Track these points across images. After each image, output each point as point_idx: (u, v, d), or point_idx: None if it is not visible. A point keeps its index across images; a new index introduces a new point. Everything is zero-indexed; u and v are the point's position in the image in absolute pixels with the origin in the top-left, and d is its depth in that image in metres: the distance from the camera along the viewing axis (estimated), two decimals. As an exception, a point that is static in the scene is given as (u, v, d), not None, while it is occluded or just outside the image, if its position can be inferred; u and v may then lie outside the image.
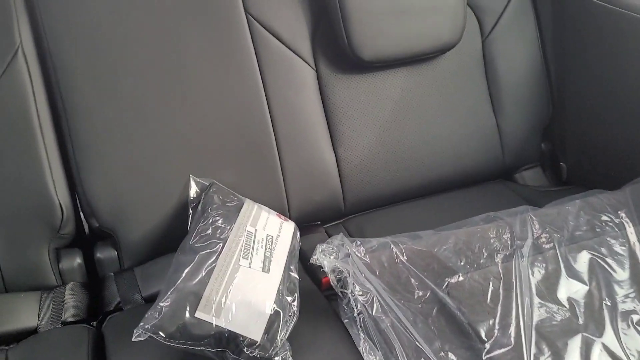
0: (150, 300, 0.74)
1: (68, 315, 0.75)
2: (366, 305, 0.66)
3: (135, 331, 0.62)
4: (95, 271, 0.82)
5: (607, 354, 0.61)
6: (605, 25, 0.94)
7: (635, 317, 0.65)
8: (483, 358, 0.60)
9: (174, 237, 0.77)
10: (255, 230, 0.76)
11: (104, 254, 0.81)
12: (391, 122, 0.94)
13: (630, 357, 0.61)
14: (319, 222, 0.94)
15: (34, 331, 0.73)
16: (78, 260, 0.80)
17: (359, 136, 0.93)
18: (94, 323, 0.75)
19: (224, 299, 0.64)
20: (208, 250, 0.70)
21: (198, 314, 0.63)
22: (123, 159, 0.79)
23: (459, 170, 1.00)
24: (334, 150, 0.92)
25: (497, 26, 1.00)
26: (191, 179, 0.81)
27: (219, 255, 0.69)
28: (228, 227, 0.74)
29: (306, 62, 0.90)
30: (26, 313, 0.74)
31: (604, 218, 0.79)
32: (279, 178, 0.88)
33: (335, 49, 0.90)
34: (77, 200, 0.80)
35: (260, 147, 0.86)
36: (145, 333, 0.62)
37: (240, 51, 0.85)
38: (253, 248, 0.73)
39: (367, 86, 0.93)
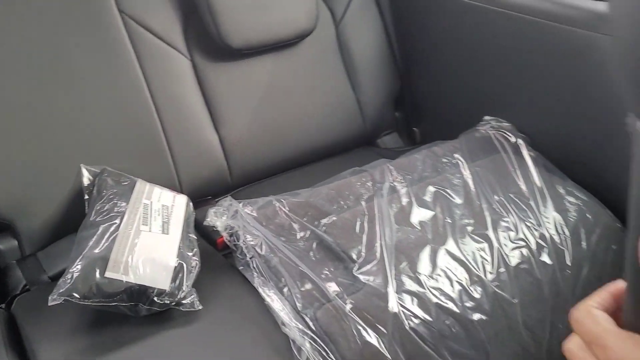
0: (57, 278, 0.79)
1: None
2: (256, 248, 0.77)
3: (50, 297, 0.67)
4: None
5: (449, 256, 0.77)
6: (437, 9, 1.13)
7: (469, 229, 0.82)
8: (355, 273, 0.74)
9: (72, 221, 0.83)
10: (151, 202, 0.84)
11: (4, 244, 0.85)
12: (264, 103, 1.06)
13: (467, 257, 0.78)
14: (210, 197, 1.04)
15: None
16: None
17: (237, 117, 1.04)
18: (3, 305, 0.79)
19: (130, 259, 0.72)
20: (109, 223, 0.77)
21: (108, 274, 0.70)
22: (16, 153, 0.84)
23: (328, 141, 1.15)
24: (216, 131, 1.02)
25: (346, 15, 1.16)
26: (82, 167, 0.87)
27: (119, 225, 0.77)
28: (125, 203, 0.82)
29: (181, 53, 0.99)
30: None
31: (444, 160, 0.97)
32: (168, 160, 0.96)
33: (207, 39, 1.01)
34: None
35: (148, 134, 0.94)
36: (60, 297, 0.68)
37: (117, 48, 0.93)
38: (151, 216, 0.81)
39: (239, 72, 1.05)
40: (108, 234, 0.74)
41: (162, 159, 0.96)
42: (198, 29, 1.01)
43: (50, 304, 0.67)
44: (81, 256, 0.71)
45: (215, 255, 0.87)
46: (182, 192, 0.97)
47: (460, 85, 1.14)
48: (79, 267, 0.70)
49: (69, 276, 0.69)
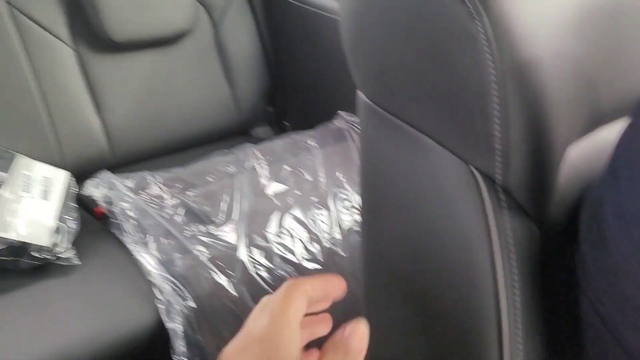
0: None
1: None
2: (129, 212, 0.90)
3: None
4: None
5: (294, 220, 0.95)
6: (300, 18, 1.31)
7: (313, 199, 1.00)
8: (212, 232, 0.89)
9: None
10: (32, 174, 0.94)
11: None
12: (145, 93, 1.19)
13: (309, 220, 0.96)
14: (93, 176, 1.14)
15: None
16: None
17: (120, 104, 1.15)
18: None
19: (10, 219, 0.82)
20: (-11, 190, 0.86)
21: (-10, 232, 0.80)
22: None
23: (206, 130, 1.29)
24: (99, 116, 1.13)
25: (224, 19, 1.31)
26: None
27: None
28: (4, 173, 0.91)
29: (66, 43, 1.09)
30: None
31: (300, 145, 1.15)
32: (52, 140, 1.06)
33: (92, 32, 1.11)
34: None
35: (32, 117, 1.04)
36: (-57, 253, 0.77)
37: (5, 39, 1.01)
38: (31, 185, 0.91)
39: (123, 64, 1.16)
40: (-9, 198, 0.84)
41: (47, 139, 1.05)
42: (82, 23, 1.11)
43: None
44: (-36, 218, 0.80)
45: (93, 222, 0.98)
46: (66, 169, 1.07)
47: (321, 83, 1.33)
48: (-39, 226, 0.79)
49: (-47, 235, 0.78)
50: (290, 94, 1.43)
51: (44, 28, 1.06)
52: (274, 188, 1.02)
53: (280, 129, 1.46)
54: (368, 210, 0.53)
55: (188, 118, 1.26)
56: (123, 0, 1.11)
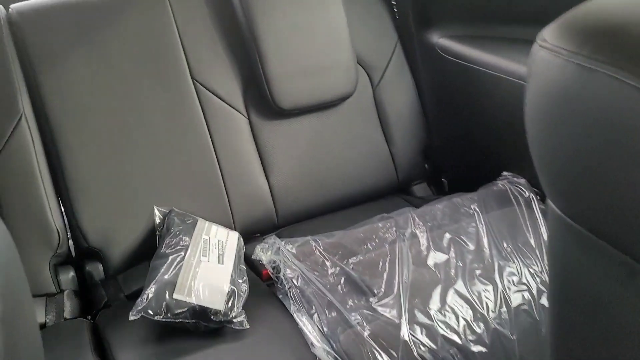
0: (133, 297, 0.98)
1: (67, 313, 0.97)
2: (293, 280, 0.93)
3: (130, 313, 0.85)
4: (85, 280, 1.04)
5: (457, 295, 0.91)
6: (461, 75, 1.28)
7: (477, 272, 0.95)
8: (374, 305, 0.88)
9: (146, 250, 1.03)
10: (209, 237, 1.02)
11: (91, 267, 1.04)
12: (307, 154, 1.24)
13: (473, 296, 0.91)
14: (259, 234, 1.21)
15: (42, 326, 0.94)
16: (71, 273, 1.03)
17: (285, 166, 1.22)
18: (89, 317, 0.98)
19: (192, 284, 0.90)
20: (176, 254, 0.95)
21: (175, 296, 0.88)
22: (104, 193, 1.04)
23: (364, 188, 1.30)
24: (266, 178, 1.20)
25: (382, 79, 1.33)
26: (155, 208, 1.07)
27: (184, 256, 0.95)
28: (188, 238, 1.00)
29: (240, 112, 1.18)
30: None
31: (462, 210, 1.11)
32: (225, 202, 1.14)
33: (262, 101, 1.20)
34: (70, 227, 1.04)
35: (210, 180, 1.13)
36: (138, 314, 0.86)
37: (189, 107, 1.13)
38: (209, 249, 0.99)
39: (288, 128, 1.23)
40: (175, 263, 0.92)
41: (220, 202, 1.14)
42: (254, 93, 1.20)
43: (130, 319, 0.85)
44: (154, 281, 0.89)
45: (260, 284, 1.03)
46: (235, 229, 1.15)
47: (482, 142, 1.28)
48: (152, 289, 0.88)
49: (145, 297, 0.87)
50: (448, 151, 1.39)
51: (222, 99, 1.17)
52: (435, 258, 0.99)
53: (437, 187, 1.43)
54: (558, 322, 0.49)
55: (347, 177, 1.28)
56: (292, 72, 1.18)
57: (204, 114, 1.14)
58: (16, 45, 1.03)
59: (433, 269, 0.96)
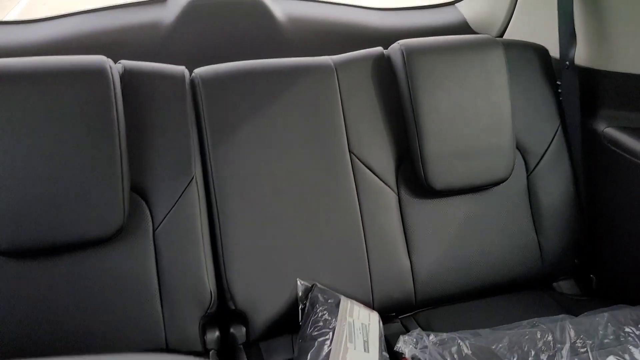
0: (273, 369, 0.98)
1: None
2: (443, 386, 0.88)
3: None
4: (228, 342, 1.06)
5: None
6: (626, 170, 1.19)
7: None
8: None
9: (288, 321, 1.03)
10: (353, 320, 1.00)
11: (235, 329, 1.06)
12: (455, 237, 1.19)
13: None
14: (394, 314, 1.17)
15: None
16: (217, 333, 1.05)
17: (429, 247, 1.18)
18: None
19: (340, 375, 0.88)
20: (323, 338, 0.94)
21: (323, 385, 0.86)
22: (255, 259, 1.06)
23: (508, 278, 1.23)
24: (409, 258, 1.17)
25: (539, 165, 1.25)
26: (298, 281, 1.07)
27: (331, 340, 0.93)
28: (333, 319, 0.99)
29: (391, 188, 1.17)
30: None
31: (627, 330, 1.01)
32: (367, 279, 1.12)
33: (414, 179, 1.17)
34: (220, 288, 1.06)
35: (355, 255, 1.12)
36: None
37: (343, 180, 1.13)
38: (354, 334, 0.97)
39: (437, 209, 1.19)
40: (324, 347, 0.91)
41: (362, 278, 1.12)
42: (407, 170, 1.17)
43: None
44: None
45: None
46: (373, 308, 1.12)
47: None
48: (300, 373, 0.87)
49: (293, 380, 0.86)
50: (603, 247, 1.28)
51: (375, 174, 1.16)
52: (598, 385, 0.90)
53: (585, 284, 1.32)
54: None
55: (491, 265, 1.22)
56: (449, 152, 1.15)
57: (356, 186, 1.14)
58: (195, 109, 1.08)
59: (597, 398, 0.88)
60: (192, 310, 1.01)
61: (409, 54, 1.16)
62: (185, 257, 1.01)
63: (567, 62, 1.27)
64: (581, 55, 1.28)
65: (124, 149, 0.99)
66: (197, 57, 1.24)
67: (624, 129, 1.24)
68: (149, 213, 1.01)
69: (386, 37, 1.30)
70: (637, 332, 1.00)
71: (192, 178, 1.03)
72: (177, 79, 1.08)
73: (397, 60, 1.17)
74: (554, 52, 1.30)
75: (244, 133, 1.08)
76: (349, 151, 1.14)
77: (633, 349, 0.96)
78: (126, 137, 1.00)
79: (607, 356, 0.94)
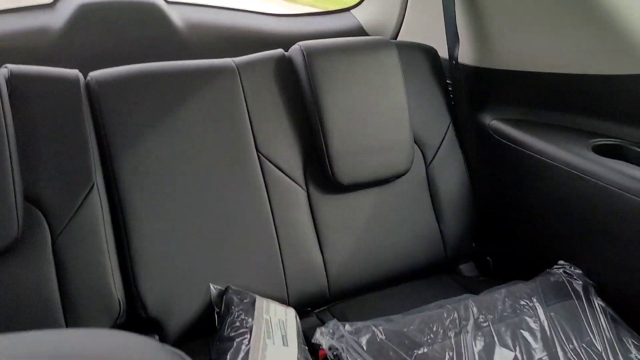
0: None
1: None
2: (361, 370, 0.91)
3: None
4: None
5: (528, 399, 0.89)
6: (514, 160, 1.29)
7: (545, 373, 0.94)
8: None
9: (204, 325, 1.01)
10: (270, 317, 1.00)
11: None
12: (363, 230, 1.23)
13: (543, 400, 0.89)
14: (310, 308, 1.19)
15: None
16: None
17: (340, 241, 1.21)
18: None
19: (260, 371, 0.87)
20: (241, 338, 0.93)
21: (244, 383, 0.85)
22: (165, 265, 1.03)
23: (415, 266, 1.29)
24: (321, 253, 1.19)
25: (435, 157, 1.33)
26: (211, 285, 1.05)
27: (249, 339, 0.93)
28: (250, 318, 0.98)
29: (300, 186, 1.18)
30: None
31: (522, 302, 1.09)
32: (281, 276, 1.13)
33: (321, 176, 1.20)
34: (129, 297, 1.02)
35: (268, 253, 1.12)
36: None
37: (252, 180, 1.13)
38: (272, 330, 0.97)
39: (345, 203, 1.23)
40: (242, 346, 0.90)
41: (276, 275, 1.13)
42: (314, 167, 1.20)
43: None
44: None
45: (316, 365, 1.01)
46: (289, 304, 1.13)
47: (531, 227, 1.28)
48: (220, 374, 0.86)
49: (212, 381, 0.85)
50: (496, 232, 1.39)
51: (284, 172, 1.17)
52: (501, 354, 0.97)
53: (483, 266, 1.41)
54: None
55: (398, 254, 1.27)
56: (353, 149, 1.19)
57: (265, 185, 1.14)
58: (92, 114, 1.04)
59: (500, 366, 0.94)
60: (100, 321, 0.96)
61: (310, 55, 1.19)
62: (89, 267, 0.96)
63: (454, 61, 1.36)
64: (466, 54, 1.39)
65: (15, 157, 0.92)
66: (90, 62, 1.19)
67: (508, 120, 1.35)
68: (46, 223, 0.95)
69: (285, 42, 1.32)
70: (531, 304, 1.09)
71: (93, 185, 0.99)
72: (71, 83, 1.03)
73: (298, 60, 1.20)
74: (444, 52, 1.40)
75: (146, 137, 1.05)
76: (257, 150, 1.15)
77: (528, 319, 1.04)
78: (17, 145, 0.94)
79: (507, 328, 1.02)
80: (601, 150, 1.16)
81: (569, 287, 1.12)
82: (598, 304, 1.08)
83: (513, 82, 1.34)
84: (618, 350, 0.99)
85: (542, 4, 1.18)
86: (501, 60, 1.34)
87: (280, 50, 1.24)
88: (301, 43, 1.22)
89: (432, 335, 1.01)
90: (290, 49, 1.23)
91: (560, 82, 1.24)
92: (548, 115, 1.32)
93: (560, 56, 1.20)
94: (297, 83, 1.21)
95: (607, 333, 1.02)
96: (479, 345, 0.98)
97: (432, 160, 1.34)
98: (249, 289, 1.08)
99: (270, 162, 1.16)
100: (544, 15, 1.20)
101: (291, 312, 1.06)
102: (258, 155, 1.15)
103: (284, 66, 1.22)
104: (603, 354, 0.98)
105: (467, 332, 1.00)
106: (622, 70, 1.12)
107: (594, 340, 1.01)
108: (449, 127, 1.37)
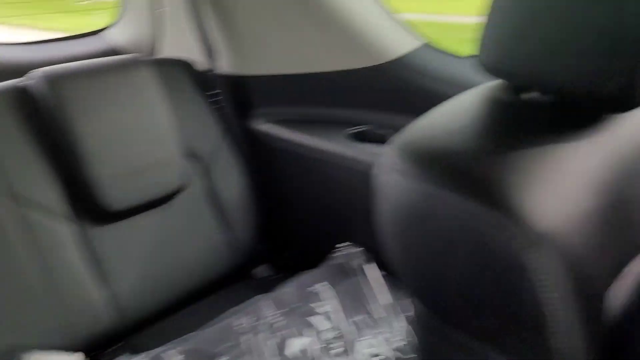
0: None
1: None
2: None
3: None
4: None
5: (322, 379, 0.94)
6: (285, 157, 1.36)
7: (336, 350, 1.00)
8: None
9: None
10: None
11: None
12: (150, 255, 1.18)
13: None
14: (109, 349, 1.11)
15: None
16: None
17: (126, 272, 1.14)
18: None
19: None
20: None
21: None
22: None
23: (210, 279, 1.28)
24: (106, 287, 1.11)
25: (213, 168, 1.34)
26: None
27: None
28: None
29: (67, 221, 1.08)
30: None
31: (309, 290, 1.15)
32: (62, 324, 1.04)
33: (92, 206, 1.11)
34: None
35: (40, 307, 1.02)
36: None
37: (5, 228, 1.01)
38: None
39: (126, 232, 1.15)
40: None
41: (55, 325, 1.03)
42: (84, 199, 1.11)
43: None
44: None
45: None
46: (79, 350, 1.04)
47: (314, 218, 1.37)
48: None
49: None
50: (286, 230, 1.45)
51: (44, 210, 1.07)
52: (292, 345, 1.01)
53: (282, 264, 1.46)
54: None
55: (190, 273, 1.25)
56: (120, 172, 1.13)
57: (14, 236, 1.03)
58: None
59: (291, 357, 0.98)
60: None
61: (54, 81, 1.10)
62: None
63: (212, 72, 1.38)
64: (228, 64, 1.42)
65: None
66: None
67: (276, 121, 1.42)
68: None
69: (24, 72, 1.20)
70: (317, 290, 1.15)
71: None
72: None
73: (40, 88, 1.10)
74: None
75: None
76: (8, 195, 1.03)
77: (318, 304, 1.11)
78: None
79: (298, 318, 1.06)
80: (356, 137, 1.28)
81: (349, 266, 1.21)
82: (379, 275, 1.19)
83: (274, 85, 1.41)
84: (397, 312, 1.10)
85: (278, 13, 1.27)
86: (258, 66, 1.39)
87: (14, 81, 1.12)
88: (42, 70, 1.12)
89: (229, 345, 1.01)
90: (26, 77, 1.12)
91: (314, 80, 1.33)
92: (312, 112, 1.41)
93: (304, 57, 1.30)
94: (40, 113, 1.10)
95: (388, 299, 1.13)
96: (274, 341, 1.01)
97: (209, 171, 1.34)
98: (23, 347, 0.96)
99: (28, 203, 1.05)
100: (283, 21, 1.28)
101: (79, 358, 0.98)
102: (7, 202, 1.03)
103: (19, 97, 1.11)
104: (385, 318, 1.08)
105: (263, 331, 1.03)
106: (359, 65, 1.24)
107: (377, 307, 1.10)
108: (223, 136, 1.38)
